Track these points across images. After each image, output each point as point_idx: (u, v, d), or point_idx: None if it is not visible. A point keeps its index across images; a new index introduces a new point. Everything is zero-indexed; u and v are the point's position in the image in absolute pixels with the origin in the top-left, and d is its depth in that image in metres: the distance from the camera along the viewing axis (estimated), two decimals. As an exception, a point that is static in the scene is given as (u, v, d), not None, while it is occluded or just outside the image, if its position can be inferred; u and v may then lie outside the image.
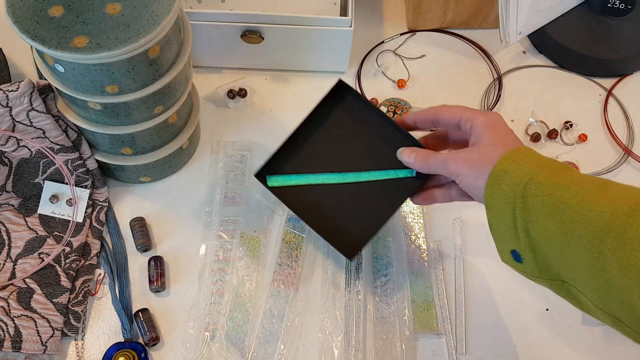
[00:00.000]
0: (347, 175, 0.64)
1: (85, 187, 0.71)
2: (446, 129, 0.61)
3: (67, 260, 0.67)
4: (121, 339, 0.64)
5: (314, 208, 0.64)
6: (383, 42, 0.90)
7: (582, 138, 0.82)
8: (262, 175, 0.64)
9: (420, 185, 0.63)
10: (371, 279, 0.69)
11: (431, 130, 0.66)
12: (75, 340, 0.65)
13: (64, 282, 0.66)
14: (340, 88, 0.64)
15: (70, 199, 0.70)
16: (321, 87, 0.84)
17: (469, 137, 0.57)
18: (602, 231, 0.43)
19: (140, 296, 0.68)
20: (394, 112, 0.81)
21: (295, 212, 0.64)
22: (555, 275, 0.49)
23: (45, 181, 0.71)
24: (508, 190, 0.49)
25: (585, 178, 0.48)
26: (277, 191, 0.64)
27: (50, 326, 0.63)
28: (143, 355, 0.63)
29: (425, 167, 0.58)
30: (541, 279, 0.50)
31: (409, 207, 0.74)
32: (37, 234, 0.69)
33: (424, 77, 0.87)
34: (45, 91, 0.64)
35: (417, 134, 0.63)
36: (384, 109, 0.81)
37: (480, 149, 0.53)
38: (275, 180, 0.65)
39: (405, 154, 0.60)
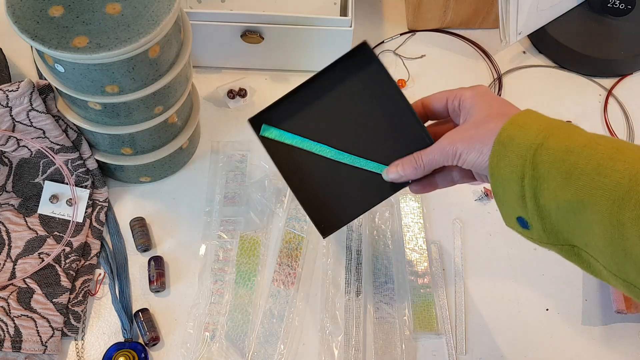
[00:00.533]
0: (344, 155, 0.59)
1: (85, 187, 0.71)
2: (436, 117, 0.58)
3: (67, 260, 0.67)
4: (121, 339, 0.64)
5: (301, 173, 0.59)
6: (383, 42, 0.90)
7: (582, 138, 0.82)
8: (257, 122, 0.59)
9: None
10: (371, 279, 0.69)
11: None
12: (75, 340, 0.65)
13: (64, 282, 0.66)
14: (365, 52, 0.57)
15: (70, 199, 0.70)
16: (321, 87, 0.85)
17: (458, 116, 0.54)
18: (621, 199, 0.42)
19: (140, 296, 0.68)
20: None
21: (280, 171, 0.59)
22: (565, 241, 0.47)
23: (45, 181, 0.71)
24: (515, 158, 0.46)
25: (599, 139, 0.45)
26: (268, 143, 0.59)
27: (50, 326, 0.63)
28: (143, 355, 0.63)
29: (419, 170, 0.54)
30: (549, 245, 0.48)
31: (409, 207, 0.74)
32: (37, 234, 0.69)
33: (424, 77, 0.87)
34: (45, 91, 0.64)
35: None
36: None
37: (477, 123, 0.50)
38: (269, 132, 0.59)
39: (392, 173, 0.56)
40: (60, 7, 0.56)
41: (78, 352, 0.64)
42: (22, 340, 0.62)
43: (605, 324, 0.67)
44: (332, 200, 0.60)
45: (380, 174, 0.58)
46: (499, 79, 0.87)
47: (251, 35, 0.78)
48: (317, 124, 0.59)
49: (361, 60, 0.58)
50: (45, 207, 0.70)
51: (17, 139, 0.66)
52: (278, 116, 0.59)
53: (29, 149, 0.68)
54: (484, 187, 0.75)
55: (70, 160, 0.69)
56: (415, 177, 0.55)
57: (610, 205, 0.42)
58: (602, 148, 0.44)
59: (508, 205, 0.48)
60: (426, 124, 0.58)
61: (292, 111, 0.59)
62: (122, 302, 0.66)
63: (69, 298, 0.66)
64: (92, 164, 0.70)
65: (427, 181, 0.58)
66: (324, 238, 0.59)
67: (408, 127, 0.58)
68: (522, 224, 0.48)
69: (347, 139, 0.59)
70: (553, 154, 0.45)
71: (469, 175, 0.56)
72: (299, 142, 0.59)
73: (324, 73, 0.58)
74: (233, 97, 0.82)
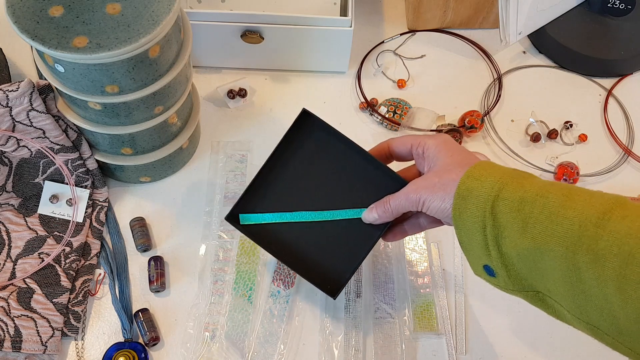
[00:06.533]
0: (324, 213, 0.61)
1: (85, 187, 0.71)
2: (400, 159, 0.61)
3: (67, 260, 0.67)
4: (121, 339, 0.64)
5: (291, 247, 0.61)
6: (383, 42, 0.90)
7: (582, 138, 0.82)
8: (234, 216, 0.61)
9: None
10: (371, 279, 0.69)
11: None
12: (75, 340, 0.65)
13: (64, 282, 0.66)
14: (306, 118, 0.60)
15: (70, 199, 0.70)
16: (321, 87, 0.85)
17: (422, 163, 0.56)
18: (574, 244, 0.44)
19: (140, 296, 0.68)
20: (394, 112, 0.81)
21: (271, 253, 0.61)
22: (529, 287, 0.49)
23: (45, 181, 0.71)
24: (476, 209, 0.48)
25: (550, 187, 0.47)
26: (250, 231, 0.61)
27: (50, 326, 0.63)
28: (143, 355, 0.63)
29: (389, 214, 0.57)
30: (515, 292, 0.50)
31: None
32: (37, 234, 0.69)
33: (424, 77, 0.87)
34: (45, 91, 0.64)
35: (399, 165, 0.61)
36: (383, 109, 0.81)
37: (440, 172, 0.53)
38: (248, 219, 0.61)
39: (368, 216, 0.59)
40: (60, 7, 0.56)
41: (78, 352, 0.64)
42: (22, 340, 0.62)
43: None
44: (328, 260, 0.61)
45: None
46: (499, 79, 0.87)
47: (251, 35, 0.78)
48: (289, 196, 0.62)
49: (307, 125, 0.61)
50: (45, 207, 0.70)
51: (17, 139, 0.66)
52: (250, 204, 0.61)
53: (29, 149, 0.68)
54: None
55: (70, 160, 0.69)
56: (388, 220, 0.59)
57: (565, 251, 0.44)
58: (553, 196, 0.46)
59: (474, 254, 0.51)
60: (390, 164, 0.61)
61: (262, 194, 0.61)
62: (122, 302, 0.66)
63: (69, 298, 0.66)
64: (92, 164, 0.70)
65: (397, 229, 0.61)
66: (334, 299, 0.61)
67: (375, 172, 0.60)
68: (489, 272, 0.51)
69: (321, 198, 0.62)
70: (509, 204, 0.47)
71: (435, 221, 0.58)
72: (278, 217, 0.61)
73: (278, 149, 0.61)
74: (233, 97, 0.82)
